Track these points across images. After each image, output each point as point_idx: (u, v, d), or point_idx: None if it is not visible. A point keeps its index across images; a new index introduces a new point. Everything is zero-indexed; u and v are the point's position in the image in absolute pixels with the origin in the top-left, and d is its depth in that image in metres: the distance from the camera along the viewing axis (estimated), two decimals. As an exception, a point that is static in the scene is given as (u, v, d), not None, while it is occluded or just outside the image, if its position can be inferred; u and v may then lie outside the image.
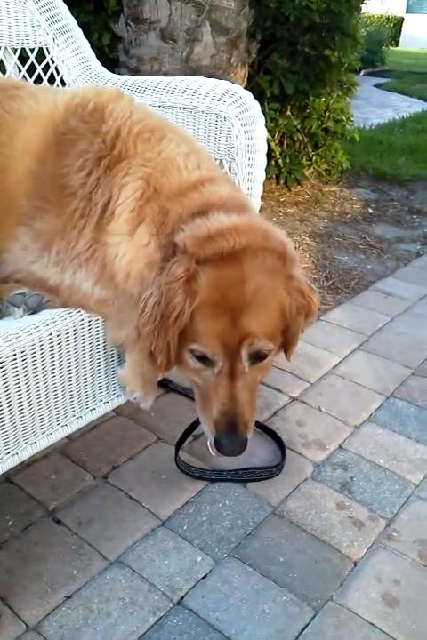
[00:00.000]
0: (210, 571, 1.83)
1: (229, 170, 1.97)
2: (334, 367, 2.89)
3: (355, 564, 1.88)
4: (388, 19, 27.80)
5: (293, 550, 1.91)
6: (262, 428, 2.39)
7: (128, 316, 1.55)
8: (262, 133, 2.01)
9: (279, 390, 2.69)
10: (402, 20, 28.84)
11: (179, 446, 2.21)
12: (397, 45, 27.26)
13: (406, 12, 31.49)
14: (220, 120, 2.00)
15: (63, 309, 1.57)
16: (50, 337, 1.49)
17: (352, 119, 6.00)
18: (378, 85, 14.81)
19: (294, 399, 2.64)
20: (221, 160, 2.01)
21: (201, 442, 2.32)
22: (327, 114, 5.72)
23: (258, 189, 2.01)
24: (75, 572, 1.80)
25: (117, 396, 1.77)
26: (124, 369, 1.68)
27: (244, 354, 1.43)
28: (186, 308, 1.41)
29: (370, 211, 5.46)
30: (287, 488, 2.15)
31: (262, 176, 2.03)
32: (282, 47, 5.31)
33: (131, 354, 1.64)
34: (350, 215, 5.29)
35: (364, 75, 15.93)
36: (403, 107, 11.61)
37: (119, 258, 1.52)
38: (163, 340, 1.45)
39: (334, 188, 5.96)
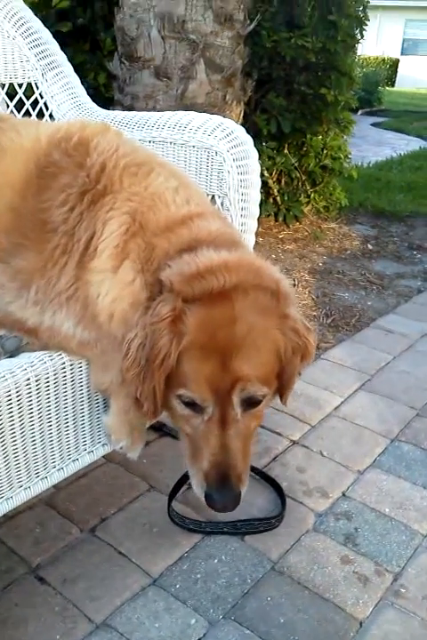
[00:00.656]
0: (204, 634, 1.69)
1: (222, 205, 1.89)
2: (335, 408, 2.77)
3: (360, 624, 1.73)
4: (384, 60, 28.34)
5: (294, 610, 1.76)
6: (261, 476, 2.26)
7: (112, 358, 1.44)
8: (255, 168, 1.93)
9: (279, 433, 2.57)
10: (398, 61, 29.41)
11: (172, 496, 2.08)
12: (393, 86, 27.72)
13: (402, 54, 32.04)
14: (211, 155, 1.92)
15: (43, 352, 1.46)
16: (27, 382, 1.38)
17: (350, 156, 5.97)
18: (375, 124, 15.01)
19: (294, 443, 2.52)
20: (213, 196, 1.93)
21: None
22: (325, 151, 5.69)
23: (252, 225, 1.92)
24: (57, 637, 1.66)
25: (103, 445, 1.66)
26: (108, 416, 1.56)
27: (236, 399, 1.34)
28: (172, 351, 1.31)
29: (370, 247, 5.40)
30: (288, 541, 2.02)
31: (256, 212, 1.94)
32: (278, 86, 5.30)
33: (116, 399, 1.53)
34: (349, 251, 5.22)
35: (361, 114, 16.18)
36: (400, 144, 11.68)
37: (102, 297, 1.42)
38: (148, 385, 1.35)
39: (332, 225, 5.90)
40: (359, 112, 15.84)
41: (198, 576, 1.86)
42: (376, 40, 32.35)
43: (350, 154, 5.93)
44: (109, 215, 1.48)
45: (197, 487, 1.40)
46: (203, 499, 1.39)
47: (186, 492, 2.18)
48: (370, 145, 11.66)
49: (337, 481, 2.31)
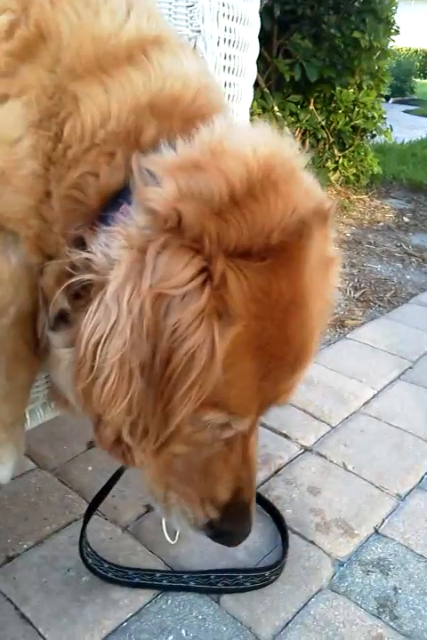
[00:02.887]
0: None
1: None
2: (365, 404, 2.07)
3: None
4: (416, 51, 27.47)
5: None
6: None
7: None
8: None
9: (285, 435, 1.85)
10: (431, 52, 28.43)
11: (87, 519, 1.34)
12: (425, 78, 26.86)
13: (436, 45, 30.97)
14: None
15: None
16: None
17: (385, 116, 5.16)
18: (407, 111, 14.58)
19: (305, 450, 1.80)
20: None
21: (154, 515, 1.47)
22: (356, 109, 4.92)
23: (245, 92, 1.19)
24: None
25: None
26: None
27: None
28: (218, 353, 0.77)
29: (406, 220, 4.67)
30: (289, 607, 1.29)
31: (252, 70, 1.22)
32: (304, 27, 4.56)
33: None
34: (381, 223, 4.48)
35: (393, 102, 15.67)
36: (435, 129, 11.06)
37: None
38: (154, 425, 0.82)
39: (363, 197, 5.16)
40: (391, 100, 15.43)
41: (140, 666, 1.15)
42: (409, 30, 31.30)
43: (384, 113, 5.14)
44: None
45: (195, 518, 1.03)
46: (203, 532, 1.05)
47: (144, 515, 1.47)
48: (403, 128, 11.03)
49: (367, 510, 1.58)
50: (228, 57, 1.16)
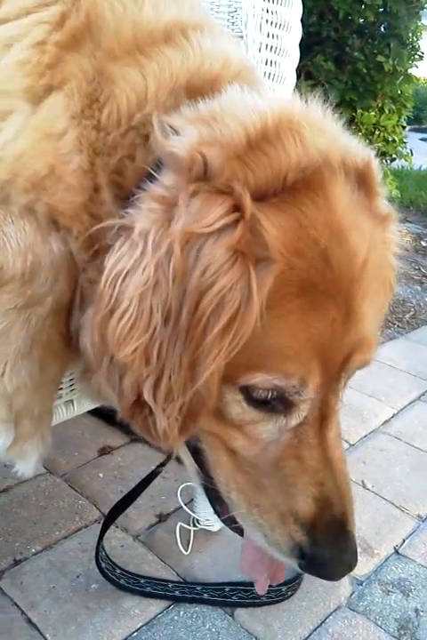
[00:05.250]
0: None
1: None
2: (385, 423, 2.04)
3: None
4: (435, 81, 27.61)
5: None
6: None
7: None
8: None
9: (302, 451, 1.79)
10: (451, 81, 28.52)
11: (105, 529, 1.27)
12: (445, 107, 26.96)
13: (456, 75, 31.13)
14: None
15: None
16: None
17: (406, 140, 5.14)
18: (424, 139, 14.60)
19: (323, 466, 1.72)
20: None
21: (166, 525, 1.43)
22: (377, 132, 4.89)
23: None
24: None
25: None
26: None
27: (345, 375, 0.82)
28: (255, 298, 0.70)
29: (423, 244, 4.62)
30: (307, 624, 1.24)
31: (292, 78, 1.20)
32: (328, 49, 4.56)
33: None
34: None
35: (409, 130, 15.74)
36: (452, 158, 11.06)
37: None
38: (179, 379, 0.72)
39: (380, 220, 5.10)
40: (407, 128, 15.53)
41: (150, 679, 1.10)
42: (430, 60, 31.50)
43: (405, 138, 5.12)
44: None
45: (281, 547, 0.82)
46: (297, 564, 0.82)
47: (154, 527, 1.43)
48: (421, 155, 11.05)
49: (387, 529, 1.52)
50: (269, 63, 1.14)
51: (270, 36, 1.13)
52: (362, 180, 0.81)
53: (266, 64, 1.14)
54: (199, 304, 0.68)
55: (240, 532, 0.89)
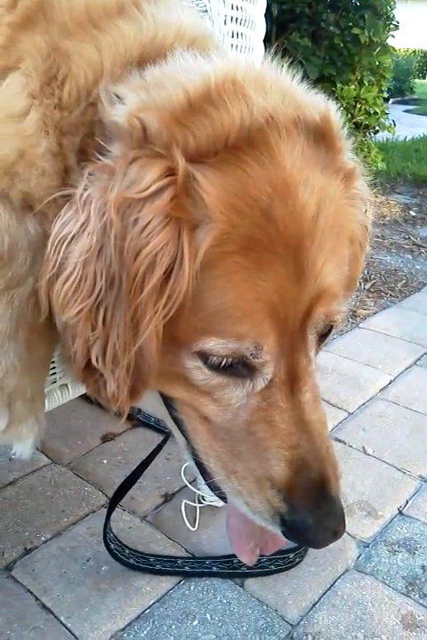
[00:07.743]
0: None
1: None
2: (382, 389, 2.04)
3: None
4: (414, 52, 27.44)
5: None
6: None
7: None
8: None
9: (302, 423, 1.80)
10: (429, 52, 28.42)
11: (111, 509, 1.29)
12: (424, 78, 26.84)
13: (434, 44, 30.97)
14: None
15: None
16: None
17: (387, 111, 5.14)
18: (408, 111, 14.54)
19: (324, 436, 1.74)
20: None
21: (172, 504, 1.45)
22: (358, 105, 4.89)
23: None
24: None
25: None
26: None
27: (311, 335, 0.80)
28: (186, 259, 0.71)
29: (412, 214, 4.64)
30: (315, 588, 1.26)
31: (260, 49, 1.20)
32: (303, 26, 4.54)
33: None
34: (388, 218, 4.45)
35: (392, 103, 15.64)
36: (436, 127, 11.03)
37: None
38: (125, 339, 0.73)
39: (367, 193, 5.11)
40: (391, 101, 15.43)
41: (165, 652, 1.12)
42: (406, 31, 31.33)
43: (387, 108, 5.12)
44: None
45: (263, 515, 0.81)
46: (280, 531, 0.81)
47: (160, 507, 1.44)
48: (405, 126, 11.01)
49: (390, 491, 1.54)
50: (235, 35, 1.14)
51: (235, 7, 1.13)
52: (320, 136, 0.80)
53: (233, 36, 1.15)
54: (134, 266, 0.70)
55: (224, 498, 0.89)
